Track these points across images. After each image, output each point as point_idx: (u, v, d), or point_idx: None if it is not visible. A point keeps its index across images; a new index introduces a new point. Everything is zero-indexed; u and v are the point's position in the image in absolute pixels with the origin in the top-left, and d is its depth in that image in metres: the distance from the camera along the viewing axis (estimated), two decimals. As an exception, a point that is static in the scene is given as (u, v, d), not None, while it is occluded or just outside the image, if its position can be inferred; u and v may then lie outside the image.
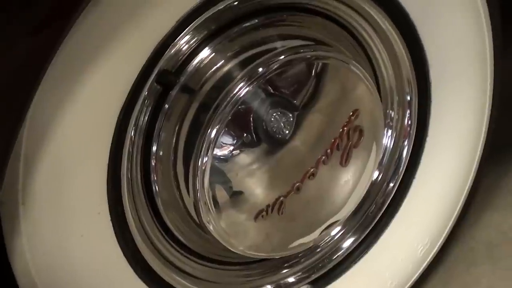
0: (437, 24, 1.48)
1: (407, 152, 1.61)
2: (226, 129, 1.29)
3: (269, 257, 1.53)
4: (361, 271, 1.63)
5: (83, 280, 1.26)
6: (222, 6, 1.26)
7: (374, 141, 1.48)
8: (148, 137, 1.31)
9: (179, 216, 1.39)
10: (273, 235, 1.42)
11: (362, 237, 1.63)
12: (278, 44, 1.36)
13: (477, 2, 1.48)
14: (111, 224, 1.25)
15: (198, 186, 1.30)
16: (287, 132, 1.35)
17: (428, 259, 1.70)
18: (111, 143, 1.20)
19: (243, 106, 1.29)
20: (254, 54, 1.33)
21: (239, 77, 1.30)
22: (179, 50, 1.28)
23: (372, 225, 1.63)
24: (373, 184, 1.61)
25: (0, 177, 1.06)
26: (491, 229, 1.92)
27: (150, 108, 1.30)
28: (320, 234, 1.48)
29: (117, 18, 1.10)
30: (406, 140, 1.61)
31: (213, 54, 1.31)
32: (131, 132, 1.25)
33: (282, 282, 1.58)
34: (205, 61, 1.31)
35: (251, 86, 1.29)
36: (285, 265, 1.58)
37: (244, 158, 1.33)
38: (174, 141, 1.32)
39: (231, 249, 1.40)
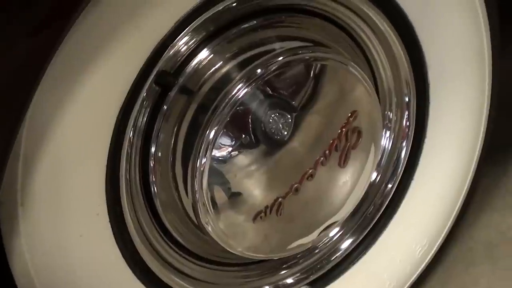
0: (436, 25, 1.48)
1: (406, 153, 1.61)
2: (225, 130, 1.29)
3: (268, 258, 1.53)
4: (359, 272, 1.63)
5: (82, 281, 1.26)
6: (221, 8, 1.25)
7: (372, 142, 1.48)
8: (146, 138, 1.32)
9: (177, 217, 1.39)
10: (271, 236, 1.42)
11: (361, 238, 1.63)
12: (277, 45, 1.36)
13: (475, 3, 1.48)
14: (109, 225, 1.25)
15: (196, 187, 1.30)
16: (285, 133, 1.35)
17: (427, 260, 1.70)
18: (110, 144, 1.20)
19: (241, 107, 1.29)
20: (252, 56, 1.33)
21: (237, 78, 1.29)
22: (178, 51, 1.28)
23: (371, 226, 1.63)
24: (372, 185, 1.61)
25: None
26: (490, 229, 1.93)
27: (148, 109, 1.30)
28: (319, 235, 1.48)
29: (116, 19, 1.10)
30: (405, 141, 1.61)
31: (212, 55, 1.31)
32: (129, 133, 1.25)
33: (280, 283, 1.58)
34: (204, 62, 1.31)
35: (250, 88, 1.29)
36: (284, 266, 1.58)
37: (243, 159, 1.33)
38: (172, 142, 1.32)
39: (230, 250, 1.40)
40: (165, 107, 1.30)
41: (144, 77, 1.20)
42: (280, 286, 1.58)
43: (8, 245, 1.16)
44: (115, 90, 1.16)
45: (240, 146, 1.32)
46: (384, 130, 1.59)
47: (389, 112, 1.59)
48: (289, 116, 1.35)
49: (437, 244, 1.71)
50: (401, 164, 1.62)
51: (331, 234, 1.60)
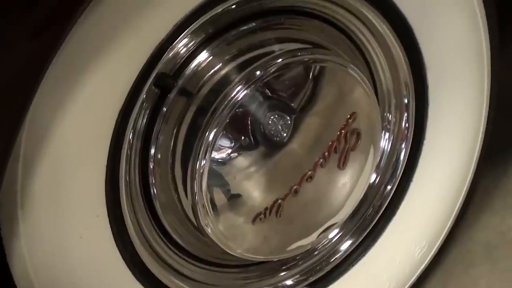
0: (434, 27, 1.48)
1: (405, 155, 1.61)
2: (224, 132, 1.29)
3: (267, 260, 1.54)
4: (358, 274, 1.63)
5: (82, 282, 1.26)
6: (220, 10, 1.25)
7: (371, 144, 1.48)
8: (146, 140, 1.32)
9: (177, 219, 1.40)
10: (271, 237, 1.42)
11: (360, 239, 1.63)
12: (276, 47, 1.36)
13: (474, 4, 1.48)
14: (109, 226, 1.25)
15: (196, 189, 1.30)
16: (284, 135, 1.35)
17: (426, 262, 1.70)
18: (110, 146, 1.20)
19: (240, 109, 1.30)
20: (251, 57, 1.33)
21: (236, 80, 1.30)
22: (177, 53, 1.28)
23: (370, 227, 1.63)
24: (371, 187, 1.61)
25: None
26: (489, 230, 1.93)
27: (148, 111, 1.30)
28: (318, 236, 1.48)
29: (115, 21, 1.10)
30: (404, 143, 1.61)
31: (211, 57, 1.31)
32: (129, 135, 1.25)
33: (280, 284, 1.58)
34: (203, 64, 1.31)
35: (249, 89, 1.29)
36: (283, 267, 1.58)
37: (242, 161, 1.34)
38: (172, 144, 1.33)
39: (229, 252, 1.40)
40: (164, 109, 1.30)
41: (144, 79, 1.20)
42: (279, 287, 1.58)
43: (8, 246, 1.16)
44: (115, 92, 1.16)
45: (240, 148, 1.32)
46: (383, 131, 1.59)
47: (388, 114, 1.59)
48: (288, 118, 1.35)
49: (437, 245, 1.71)
50: (400, 166, 1.62)
51: (331, 235, 1.60)
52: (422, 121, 1.59)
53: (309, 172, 1.40)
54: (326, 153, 1.41)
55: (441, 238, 1.71)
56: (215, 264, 1.51)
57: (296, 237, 1.46)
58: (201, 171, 1.30)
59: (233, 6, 1.28)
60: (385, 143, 1.61)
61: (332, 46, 1.44)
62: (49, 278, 1.21)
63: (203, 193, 1.31)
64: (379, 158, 1.59)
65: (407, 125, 1.59)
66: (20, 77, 1.00)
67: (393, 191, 1.63)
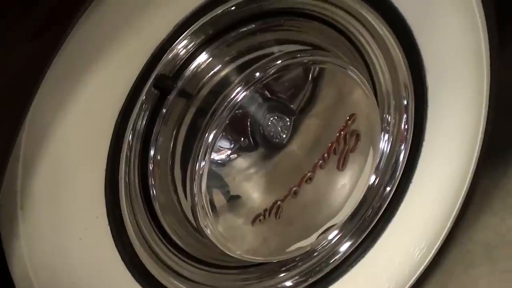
0: (434, 28, 1.48)
1: (404, 156, 1.62)
2: (224, 133, 1.29)
3: (267, 261, 1.54)
4: (358, 275, 1.63)
5: (81, 283, 1.26)
6: (220, 11, 1.26)
7: (371, 145, 1.48)
8: (145, 141, 1.32)
9: (176, 220, 1.40)
10: (270, 239, 1.42)
11: (359, 241, 1.63)
12: (275, 49, 1.36)
13: (473, 5, 1.48)
14: (109, 227, 1.25)
15: (195, 190, 1.30)
16: (284, 136, 1.36)
17: (425, 263, 1.70)
18: (109, 147, 1.20)
19: (240, 111, 1.30)
20: (251, 59, 1.33)
21: (236, 81, 1.30)
22: (177, 54, 1.28)
23: (369, 229, 1.63)
24: (370, 188, 1.61)
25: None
26: (489, 231, 1.93)
27: (147, 113, 1.30)
28: (317, 238, 1.49)
29: (116, 22, 1.11)
30: (403, 144, 1.61)
31: (211, 58, 1.31)
32: (129, 136, 1.26)
33: (279, 286, 1.58)
34: (203, 66, 1.31)
35: (248, 91, 1.29)
36: (283, 269, 1.58)
37: (242, 162, 1.34)
38: (171, 145, 1.33)
39: (229, 253, 1.40)
40: (164, 110, 1.30)
41: (143, 81, 1.20)
42: (279, 288, 1.59)
43: (8, 247, 1.16)
44: (115, 93, 1.16)
45: (239, 149, 1.33)
46: (383, 133, 1.59)
47: (387, 115, 1.59)
48: (287, 119, 1.35)
49: (436, 246, 1.71)
50: (399, 167, 1.62)
51: (330, 237, 1.60)
52: (421, 122, 1.59)
53: (309, 174, 1.41)
54: (326, 155, 1.42)
55: (440, 239, 1.71)
56: (215, 265, 1.51)
57: (296, 238, 1.47)
58: (201, 172, 1.30)
59: (233, 8, 1.28)
60: (384, 144, 1.61)
61: (332, 47, 1.44)
62: (49, 279, 1.21)
63: (203, 195, 1.31)
64: (378, 160, 1.59)
65: (406, 126, 1.59)
66: (21, 77, 1.01)
67: (392, 193, 1.63)
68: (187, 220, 1.38)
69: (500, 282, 1.81)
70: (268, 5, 1.35)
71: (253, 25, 1.35)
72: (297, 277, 1.59)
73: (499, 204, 1.99)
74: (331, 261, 1.62)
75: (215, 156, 1.30)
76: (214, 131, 1.28)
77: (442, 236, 1.70)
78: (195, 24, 1.23)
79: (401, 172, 1.62)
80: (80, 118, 1.13)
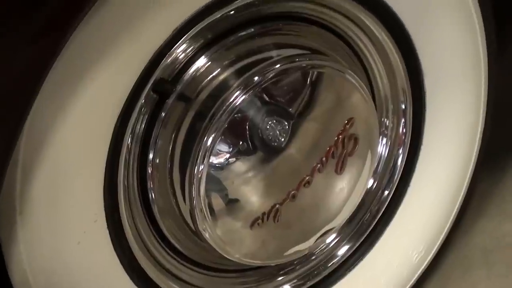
0: (432, 33, 1.48)
1: (402, 160, 1.62)
2: (222, 137, 1.29)
3: (265, 265, 1.54)
4: (356, 278, 1.63)
5: (80, 287, 1.26)
6: (219, 16, 1.26)
7: (369, 149, 1.48)
8: (144, 144, 1.32)
9: (175, 224, 1.40)
10: (268, 242, 1.42)
11: (357, 244, 1.63)
12: (274, 53, 1.36)
13: (471, 10, 1.48)
14: (107, 231, 1.25)
15: (194, 193, 1.31)
16: (282, 140, 1.36)
17: (423, 266, 1.70)
18: (108, 151, 1.20)
19: (239, 115, 1.30)
20: (250, 63, 1.33)
21: (235, 85, 1.30)
22: (176, 59, 1.28)
23: (367, 232, 1.63)
24: (368, 192, 1.61)
25: (-1, 184, 1.07)
26: (486, 235, 1.93)
27: (146, 116, 1.30)
28: (316, 241, 1.49)
29: (115, 28, 1.11)
30: (401, 148, 1.61)
31: (209, 62, 1.32)
32: (128, 140, 1.26)
33: (277, 289, 1.59)
34: (201, 70, 1.32)
35: (247, 95, 1.30)
36: (281, 272, 1.58)
37: (240, 166, 1.34)
38: (170, 148, 1.33)
39: (227, 257, 1.40)
40: (163, 114, 1.31)
41: (142, 85, 1.20)
42: (277, 292, 1.59)
43: (7, 252, 1.16)
44: (113, 97, 1.16)
45: (238, 153, 1.33)
46: (381, 137, 1.59)
47: (385, 119, 1.59)
48: (286, 123, 1.36)
49: (434, 250, 1.71)
50: (397, 171, 1.62)
51: (328, 240, 1.60)
52: (419, 126, 1.60)
53: (307, 177, 1.41)
54: (324, 158, 1.42)
55: (438, 243, 1.71)
56: (213, 268, 1.51)
57: (294, 242, 1.47)
58: (199, 176, 1.30)
59: (232, 12, 1.28)
60: (382, 148, 1.61)
61: (330, 52, 1.44)
62: (48, 283, 1.21)
63: (201, 198, 1.31)
64: (376, 163, 1.60)
65: (404, 130, 1.60)
66: (20, 82, 1.01)
67: (390, 196, 1.63)
68: (185, 223, 1.38)
69: (497, 286, 1.81)
70: (267, 9, 1.35)
71: (252, 29, 1.35)
72: (295, 281, 1.59)
73: (495, 209, 1.99)
74: (329, 264, 1.62)
75: (214, 160, 1.30)
76: (213, 135, 1.29)
77: (440, 239, 1.70)
78: (194, 28, 1.23)
79: (399, 176, 1.63)
80: (79, 122, 1.13)
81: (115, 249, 1.28)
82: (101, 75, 1.12)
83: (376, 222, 1.64)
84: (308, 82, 1.37)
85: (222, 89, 1.31)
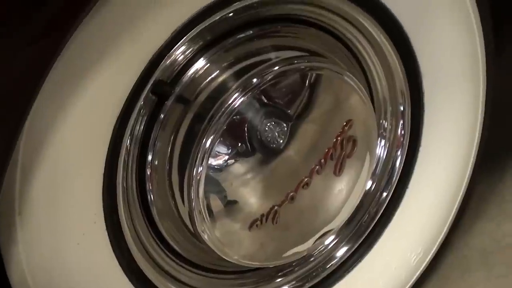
0: (430, 35, 1.48)
1: (400, 161, 1.62)
2: (221, 139, 1.29)
3: (263, 266, 1.54)
4: (354, 280, 1.63)
5: (79, 289, 1.27)
6: (218, 17, 1.26)
7: (367, 151, 1.48)
8: (143, 146, 1.32)
9: (174, 225, 1.40)
10: (267, 244, 1.43)
11: (356, 246, 1.63)
12: (273, 55, 1.36)
13: (469, 11, 1.48)
14: (106, 233, 1.25)
15: (193, 195, 1.31)
16: (281, 141, 1.36)
17: (422, 268, 1.70)
18: (107, 152, 1.20)
19: (237, 116, 1.30)
20: (248, 65, 1.33)
21: (233, 87, 1.30)
22: (175, 60, 1.28)
23: (366, 234, 1.63)
24: (367, 193, 1.61)
25: (-1, 185, 1.07)
26: (485, 236, 1.93)
27: (145, 118, 1.30)
28: (314, 243, 1.49)
29: (114, 29, 1.11)
30: (399, 150, 1.61)
31: (208, 64, 1.32)
32: (126, 142, 1.26)
33: (276, 291, 1.59)
34: (200, 72, 1.32)
35: (246, 97, 1.30)
36: (279, 274, 1.58)
37: (239, 167, 1.34)
38: (169, 150, 1.33)
39: (226, 258, 1.40)
40: (162, 116, 1.31)
41: (141, 87, 1.20)
42: (275, 293, 1.59)
43: (6, 252, 1.17)
44: (113, 99, 1.17)
45: (236, 155, 1.33)
46: (379, 138, 1.59)
47: (384, 121, 1.59)
48: (284, 125, 1.36)
49: (432, 251, 1.71)
50: (396, 173, 1.62)
51: (327, 242, 1.60)
52: (417, 128, 1.60)
53: (306, 179, 1.41)
54: (322, 160, 1.42)
55: (436, 244, 1.71)
56: (212, 270, 1.51)
57: (292, 243, 1.47)
58: (198, 177, 1.30)
59: (231, 14, 1.28)
60: (381, 150, 1.61)
61: (329, 54, 1.45)
62: (47, 284, 1.22)
63: (200, 200, 1.31)
64: (375, 165, 1.59)
65: (402, 132, 1.60)
66: (20, 82, 1.01)
67: (389, 198, 1.63)
68: (184, 225, 1.38)
69: (496, 287, 1.81)
70: (266, 11, 1.35)
71: (251, 31, 1.35)
72: (293, 282, 1.59)
73: (495, 210, 1.99)
74: (328, 266, 1.62)
75: (213, 162, 1.30)
76: (212, 137, 1.29)
77: (439, 241, 1.70)
78: (193, 30, 1.23)
79: (398, 177, 1.63)
80: (79, 123, 1.13)
81: (114, 251, 1.28)
82: (101, 76, 1.12)
83: (375, 224, 1.64)
84: (306, 84, 1.37)
85: (221, 91, 1.31)
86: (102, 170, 1.21)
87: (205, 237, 1.35)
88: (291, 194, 1.40)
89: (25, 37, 0.98)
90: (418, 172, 1.63)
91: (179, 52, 1.28)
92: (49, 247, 1.19)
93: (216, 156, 1.31)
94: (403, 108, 1.57)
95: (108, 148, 1.20)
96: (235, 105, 1.29)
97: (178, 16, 1.19)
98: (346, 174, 1.46)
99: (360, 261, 1.63)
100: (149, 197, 1.35)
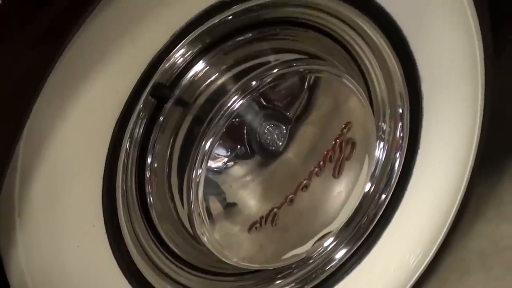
0: (429, 38, 1.48)
1: (399, 164, 1.62)
2: (220, 141, 1.30)
3: (263, 268, 1.54)
4: (353, 282, 1.63)
5: (78, 291, 1.27)
6: (217, 20, 1.26)
7: (366, 153, 1.48)
8: (143, 149, 1.32)
9: (173, 228, 1.40)
10: (266, 246, 1.43)
11: (355, 248, 1.63)
12: (272, 57, 1.37)
13: (467, 15, 1.48)
14: (106, 235, 1.26)
15: (192, 198, 1.31)
16: (280, 144, 1.36)
17: (421, 270, 1.70)
18: (107, 155, 1.20)
19: (237, 119, 1.30)
20: (248, 68, 1.34)
21: (233, 90, 1.30)
22: (174, 63, 1.29)
23: (365, 236, 1.63)
24: (365, 196, 1.61)
25: (-1, 188, 1.07)
26: (483, 238, 1.93)
27: (145, 121, 1.30)
28: (313, 245, 1.49)
29: (113, 32, 1.11)
30: (398, 152, 1.61)
31: (207, 67, 1.32)
32: (126, 144, 1.26)
33: (275, 293, 1.59)
34: (199, 75, 1.32)
35: (245, 99, 1.30)
36: (279, 276, 1.58)
37: (238, 170, 1.34)
38: (168, 153, 1.33)
39: (225, 261, 1.40)
40: (161, 118, 1.31)
41: (141, 89, 1.20)
42: (275, 295, 1.59)
43: (5, 255, 1.17)
44: (112, 102, 1.17)
45: (236, 157, 1.33)
46: (378, 141, 1.59)
47: (383, 124, 1.59)
48: (284, 127, 1.36)
49: (431, 253, 1.71)
50: (394, 175, 1.62)
51: (326, 244, 1.61)
52: (416, 130, 1.60)
53: (305, 181, 1.41)
54: (321, 162, 1.42)
55: (435, 247, 1.71)
56: (211, 272, 1.51)
57: (292, 245, 1.47)
58: (197, 180, 1.30)
59: (230, 17, 1.29)
60: (379, 152, 1.61)
61: (328, 56, 1.45)
62: (46, 286, 1.22)
63: (199, 202, 1.31)
64: (374, 167, 1.60)
65: (401, 134, 1.60)
66: (20, 86, 1.01)
67: (387, 200, 1.63)
68: (183, 227, 1.38)
69: (494, 289, 1.82)
70: (265, 14, 1.35)
71: (250, 34, 1.35)
72: (293, 284, 1.60)
73: (493, 212, 1.99)
74: (327, 268, 1.62)
75: (212, 164, 1.31)
76: (211, 139, 1.29)
77: (437, 243, 1.71)
78: (192, 33, 1.23)
79: (396, 179, 1.63)
80: (78, 126, 1.14)
81: (113, 253, 1.28)
82: (100, 79, 1.13)
83: (374, 226, 1.64)
84: (305, 87, 1.37)
85: (220, 93, 1.31)
86: (101, 173, 1.21)
87: (205, 239, 1.35)
88: (290, 196, 1.40)
89: (26, 40, 0.98)
90: (417, 174, 1.63)
91: (179, 55, 1.29)
92: (49, 249, 1.19)
93: (215, 158, 1.31)
94: (402, 111, 1.57)
95: (108, 151, 1.20)
96: (234, 107, 1.29)
97: (178, 19, 1.19)
98: (345, 177, 1.46)
99: (359, 263, 1.64)
100: (148, 199, 1.36)
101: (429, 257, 1.71)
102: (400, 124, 1.59)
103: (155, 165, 1.33)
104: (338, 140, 1.43)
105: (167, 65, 1.26)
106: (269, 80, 1.32)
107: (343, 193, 1.48)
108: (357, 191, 1.50)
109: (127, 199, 1.32)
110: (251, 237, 1.39)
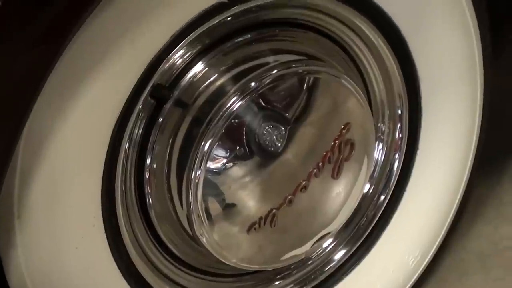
0: (428, 39, 1.48)
1: (398, 165, 1.62)
2: (219, 142, 1.30)
3: (262, 269, 1.54)
4: (352, 283, 1.63)
5: (78, 292, 1.27)
6: (216, 21, 1.26)
7: (365, 154, 1.48)
8: (142, 150, 1.32)
9: (172, 229, 1.40)
10: (265, 247, 1.43)
11: (354, 249, 1.63)
12: (271, 58, 1.37)
13: (466, 15, 1.49)
14: (105, 236, 1.26)
15: (191, 198, 1.31)
16: (279, 145, 1.36)
17: (419, 271, 1.70)
18: (106, 156, 1.20)
19: (236, 120, 1.30)
20: (247, 69, 1.34)
21: (232, 91, 1.30)
22: (173, 64, 1.29)
23: (364, 237, 1.63)
24: (364, 196, 1.61)
25: (-2, 189, 1.07)
26: (483, 239, 1.93)
27: (144, 122, 1.30)
28: (312, 246, 1.49)
29: (113, 32, 1.11)
30: (397, 153, 1.61)
31: (207, 68, 1.32)
32: (125, 145, 1.26)
33: (274, 293, 1.59)
34: (199, 76, 1.32)
35: (244, 100, 1.30)
36: (278, 277, 1.58)
37: (237, 171, 1.34)
38: (167, 154, 1.33)
39: (224, 261, 1.40)
40: (160, 119, 1.31)
41: (140, 90, 1.20)
42: (274, 296, 1.59)
43: (5, 256, 1.17)
44: (111, 103, 1.17)
45: (235, 158, 1.33)
46: (377, 142, 1.59)
47: (381, 124, 1.59)
48: (283, 128, 1.36)
49: (430, 254, 1.71)
50: (393, 176, 1.62)
51: (325, 245, 1.61)
52: (415, 131, 1.60)
53: (303, 182, 1.41)
54: (320, 163, 1.42)
55: (434, 248, 1.71)
56: (210, 273, 1.51)
57: (291, 246, 1.47)
58: (196, 181, 1.30)
59: (229, 18, 1.29)
60: (378, 153, 1.61)
61: (327, 57, 1.45)
62: (46, 287, 1.22)
63: (198, 203, 1.32)
64: (372, 168, 1.60)
65: (400, 135, 1.60)
66: (20, 86, 1.01)
67: (386, 201, 1.64)
68: (182, 228, 1.38)
69: (493, 290, 1.82)
70: (264, 15, 1.35)
71: (249, 35, 1.35)
72: (292, 285, 1.60)
73: (492, 213, 1.99)
74: (326, 269, 1.62)
75: (211, 165, 1.31)
76: (210, 140, 1.29)
77: (436, 244, 1.71)
78: (191, 34, 1.23)
79: (395, 180, 1.63)
80: (77, 127, 1.14)
81: (112, 254, 1.28)
82: (100, 80, 1.13)
83: (373, 227, 1.64)
84: (304, 88, 1.37)
85: (219, 94, 1.31)
86: (101, 174, 1.21)
87: (204, 240, 1.35)
88: (289, 197, 1.40)
89: (26, 41, 0.98)
90: (416, 175, 1.64)
91: (178, 56, 1.29)
92: (48, 250, 1.19)
93: (214, 159, 1.31)
94: (401, 112, 1.58)
95: (107, 152, 1.20)
96: (233, 108, 1.30)
97: (177, 20, 1.19)
98: (344, 177, 1.46)
99: (358, 264, 1.64)
100: (147, 200, 1.36)
101: (428, 258, 1.71)
102: (399, 124, 1.59)
103: (154, 165, 1.33)
104: (337, 141, 1.43)
105: (166, 66, 1.26)
106: (268, 81, 1.32)
107: (342, 194, 1.48)
108: (356, 192, 1.50)
109: (126, 200, 1.32)
110: (250, 238, 1.39)
